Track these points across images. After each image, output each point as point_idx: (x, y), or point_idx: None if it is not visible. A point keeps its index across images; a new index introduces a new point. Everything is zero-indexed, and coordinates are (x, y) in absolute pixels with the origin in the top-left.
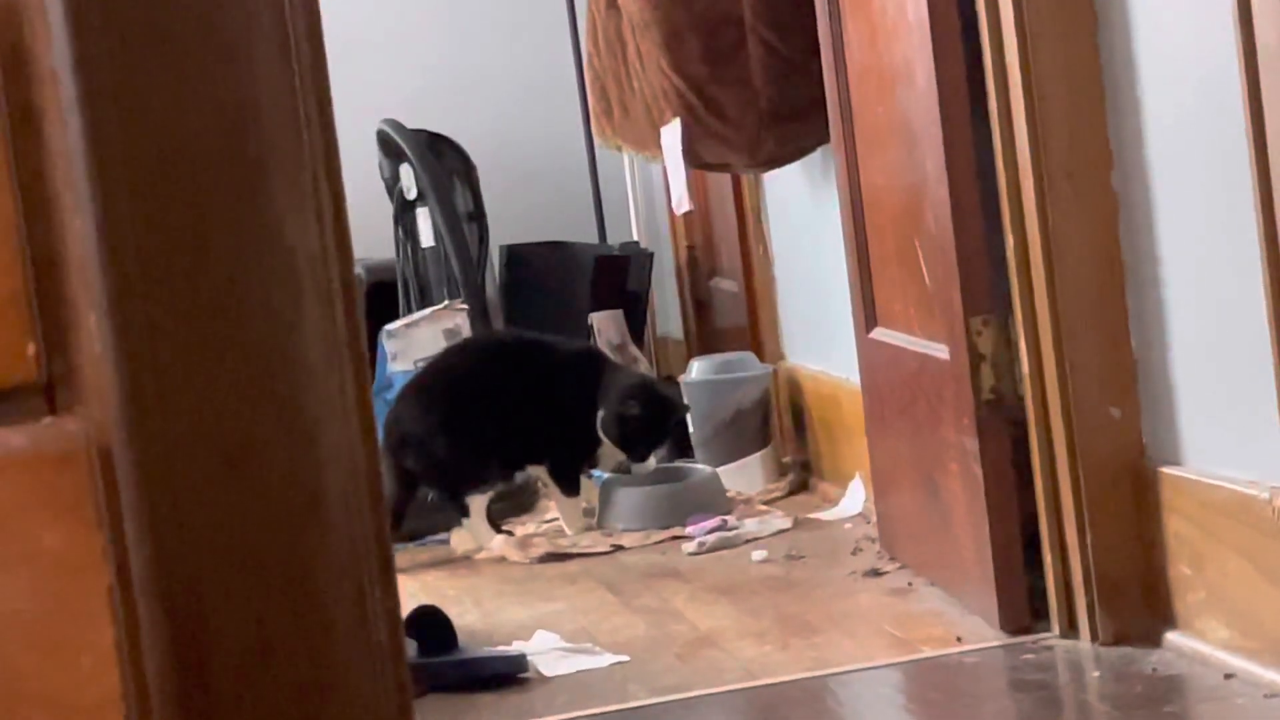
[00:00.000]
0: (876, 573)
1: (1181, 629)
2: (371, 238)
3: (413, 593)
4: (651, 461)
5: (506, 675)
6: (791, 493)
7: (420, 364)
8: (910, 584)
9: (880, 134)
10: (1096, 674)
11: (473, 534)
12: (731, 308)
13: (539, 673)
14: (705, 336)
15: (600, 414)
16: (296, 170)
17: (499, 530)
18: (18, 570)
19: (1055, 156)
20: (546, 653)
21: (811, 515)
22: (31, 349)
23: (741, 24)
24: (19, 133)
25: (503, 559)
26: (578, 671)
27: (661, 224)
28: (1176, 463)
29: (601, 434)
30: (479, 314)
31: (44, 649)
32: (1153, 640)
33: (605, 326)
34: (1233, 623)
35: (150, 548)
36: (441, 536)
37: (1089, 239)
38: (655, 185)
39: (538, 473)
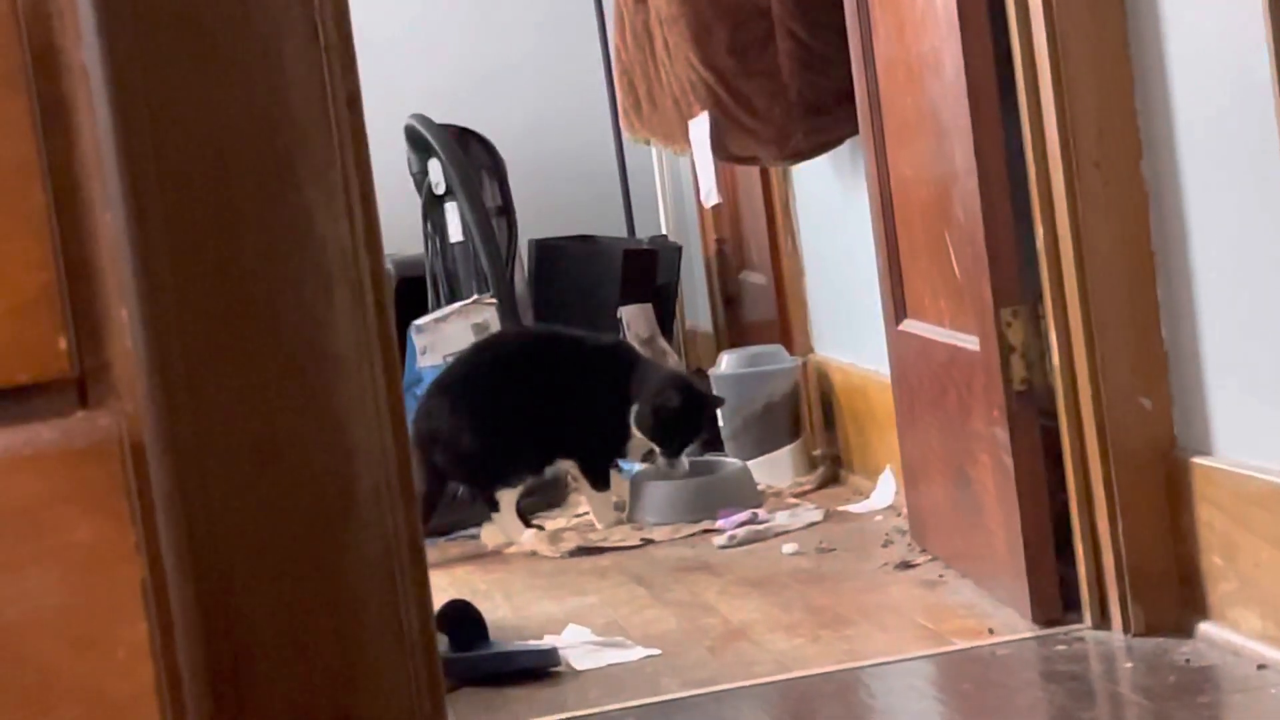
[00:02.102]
0: (907, 565)
1: (1214, 619)
2: (400, 233)
3: (443, 587)
4: (684, 463)
5: (538, 669)
6: (822, 485)
7: (449, 359)
8: (941, 576)
9: (909, 126)
10: (1129, 665)
11: (503, 528)
12: (760, 301)
13: (570, 666)
14: (734, 330)
15: (634, 408)
16: (326, 164)
17: (529, 525)
18: (51, 564)
19: (1085, 147)
20: (577, 646)
21: (842, 508)
22: (63, 343)
23: (769, 16)
24: (50, 128)
25: (533, 553)
26: (609, 665)
27: (690, 217)
28: (1208, 453)
29: (636, 429)
30: (508, 308)
31: (78, 643)
32: (1185, 631)
33: (634, 320)
34: (1266, 613)
35: (182, 541)
36: (472, 531)
37: (1119, 229)
38: (683, 179)
39: (568, 467)
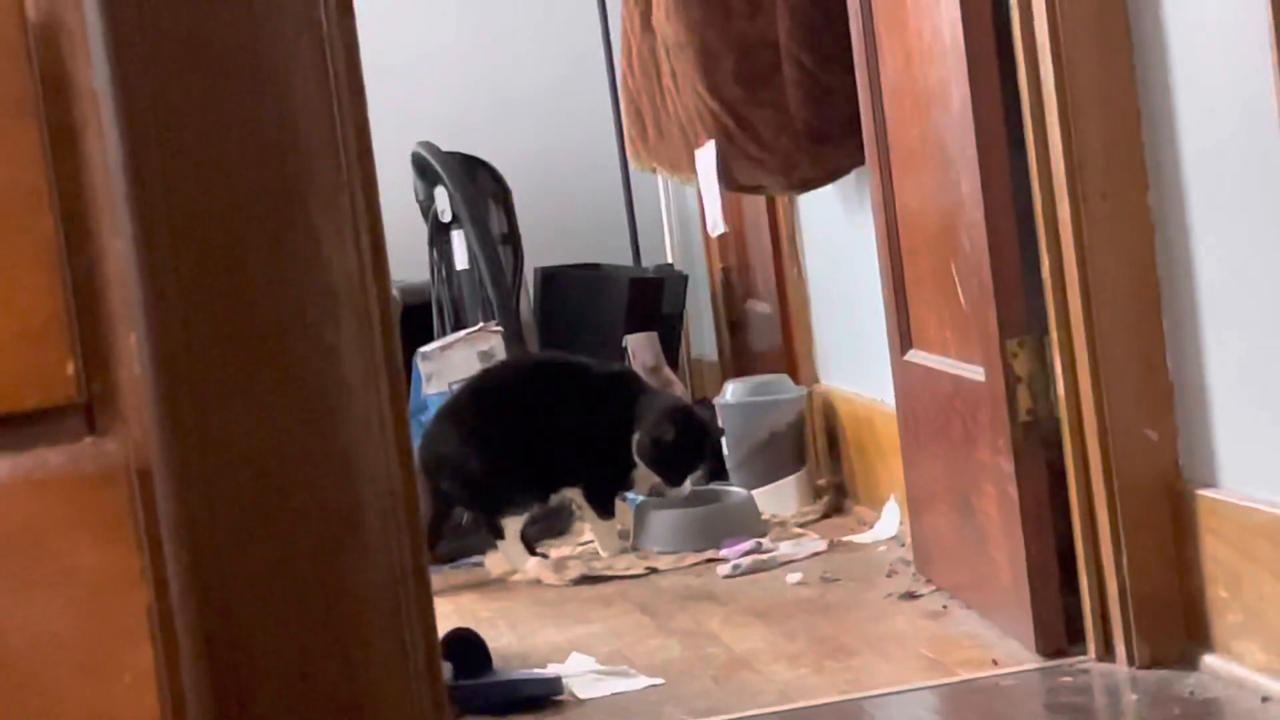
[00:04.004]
0: (912, 595)
1: (1219, 652)
2: (406, 260)
3: (448, 615)
4: (687, 486)
5: (541, 697)
6: (826, 515)
7: (455, 386)
8: (945, 606)
9: (915, 156)
10: (1133, 697)
11: (507, 556)
12: (766, 330)
13: (574, 695)
14: (740, 359)
15: (636, 437)
16: (334, 191)
17: (534, 553)
18: (57, 590)
19: (1091, 178)
20: (581, 675)
21: (846, 538)
22: (71, 369)
23: (776, 46)
24: (59, 153)
25: (537, 581)
26: (612, 694)
27: (696, 246)
28: (1213, 485)
29: (636, 457)
30: (514, 336)
31: (83, 669)
32: (1190, 663)
33: (640, 349)
34: (1270, 645)
35: (188, 568)
36: (476, 559)
37: (1125, 261)
38: (689, 207)
39: (573, 495)
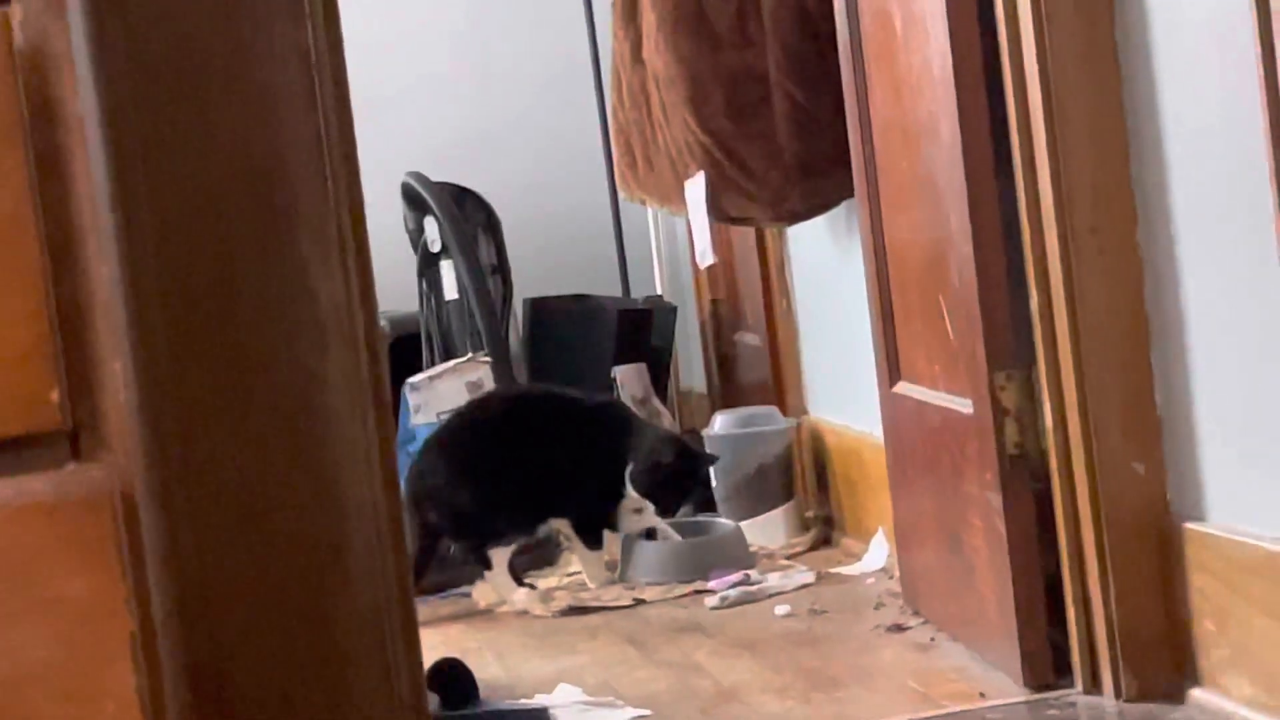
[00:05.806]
0: (899, 628)
1: (1206, 686)
2: (395, 290)
3: (434, 645)
4: (675, 537)
5: None
6: (814, 547)
7: (443, 417)
8: (933, 639)
9: (904, 189)
10: None
11: (495, 587)
12: (755, 362)
13: None
14: (728, 390)
15: (630, 467)
16: (322, 220)
17: (521, 583)
18: (41, 617)
19: (1080, 212)
20: (568, 706)
21: (834, 570)
22: (56, 395)
23: (766, 79)
24: (45, 179)
25: (525, 612)
26: None
27: (685, 278)
28: (1200, 519)
29: (631, 487)
30: (502, 367)
31: (67, 696)
32: (1176, 697)
33: (628, 380)
34: (1257, 680)
35: (173, 596)
36: (464, 589)
37: (1113, 294)
38: (679, 239)
39: (560, 526)
